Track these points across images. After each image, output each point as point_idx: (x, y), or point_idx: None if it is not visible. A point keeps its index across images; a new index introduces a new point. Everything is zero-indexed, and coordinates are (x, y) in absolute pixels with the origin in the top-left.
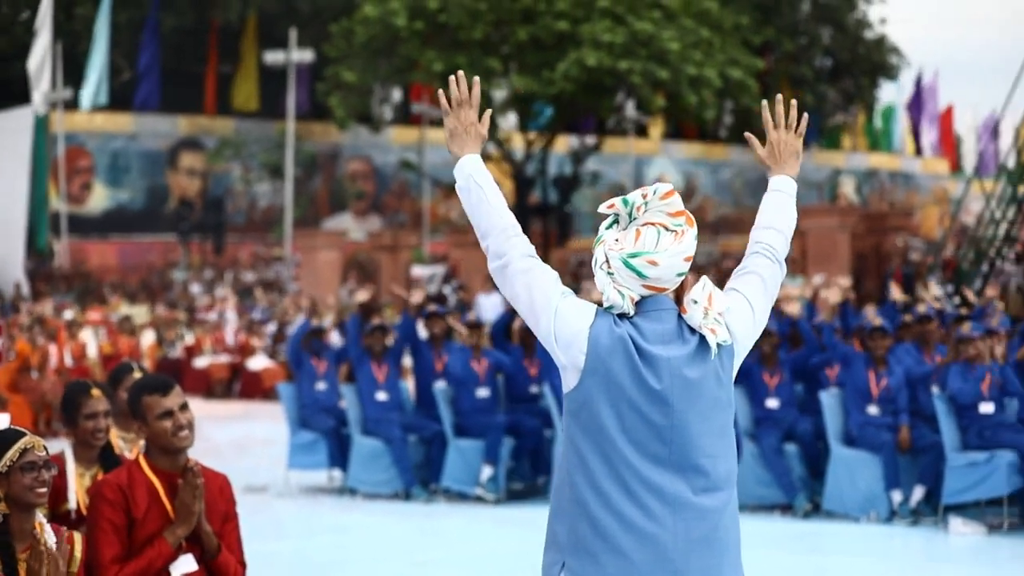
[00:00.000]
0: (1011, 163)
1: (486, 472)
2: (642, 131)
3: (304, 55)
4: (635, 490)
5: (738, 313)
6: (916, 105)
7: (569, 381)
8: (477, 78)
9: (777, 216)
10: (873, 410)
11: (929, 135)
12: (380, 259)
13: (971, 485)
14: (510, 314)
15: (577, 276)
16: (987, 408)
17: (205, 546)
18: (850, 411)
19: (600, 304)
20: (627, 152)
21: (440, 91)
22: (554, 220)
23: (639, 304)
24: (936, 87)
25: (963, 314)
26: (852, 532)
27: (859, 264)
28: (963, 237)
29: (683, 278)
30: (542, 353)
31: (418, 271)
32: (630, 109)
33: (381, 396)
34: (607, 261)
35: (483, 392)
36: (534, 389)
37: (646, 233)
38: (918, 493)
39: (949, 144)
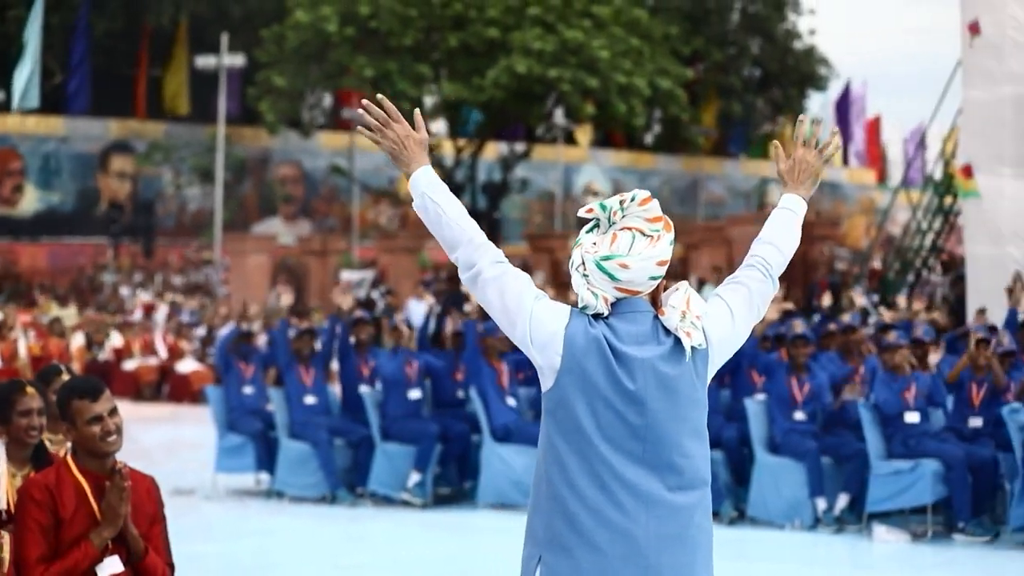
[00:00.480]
0: (938, 174)
1: (413, 477)
2: (571, 139)
3: (235, 59)
4: (610, 486)
5: (717, 319)
6: (843, 115)
7: (546, 381)
8: (380, 95)
9: (780, 233)
10: (799, 415)
11: (856, 145)
12: (309, 264)
13: (895, 493)
14: (439, 319)
15: None
16: (912, 417)
17: (131, 548)
18: (774, 418)
19: (575, 305)
20: (556, 159)
21: (359, 126)
22: (483, 227)
23: (615, 306)
24: (864, 98)
25: (888, 323)
26: (776, 539)
27: (785, 273)
28: (889, 247)
29: (657, 282)
30: (468, 359)
31: (347, 276)
32: (559, 117)
33: (309, 400)
34: (583, 263)
35: (414, 394)
36: (460, 394)
37: (622, 237)
38: (842, 501)
39: (876, 154)
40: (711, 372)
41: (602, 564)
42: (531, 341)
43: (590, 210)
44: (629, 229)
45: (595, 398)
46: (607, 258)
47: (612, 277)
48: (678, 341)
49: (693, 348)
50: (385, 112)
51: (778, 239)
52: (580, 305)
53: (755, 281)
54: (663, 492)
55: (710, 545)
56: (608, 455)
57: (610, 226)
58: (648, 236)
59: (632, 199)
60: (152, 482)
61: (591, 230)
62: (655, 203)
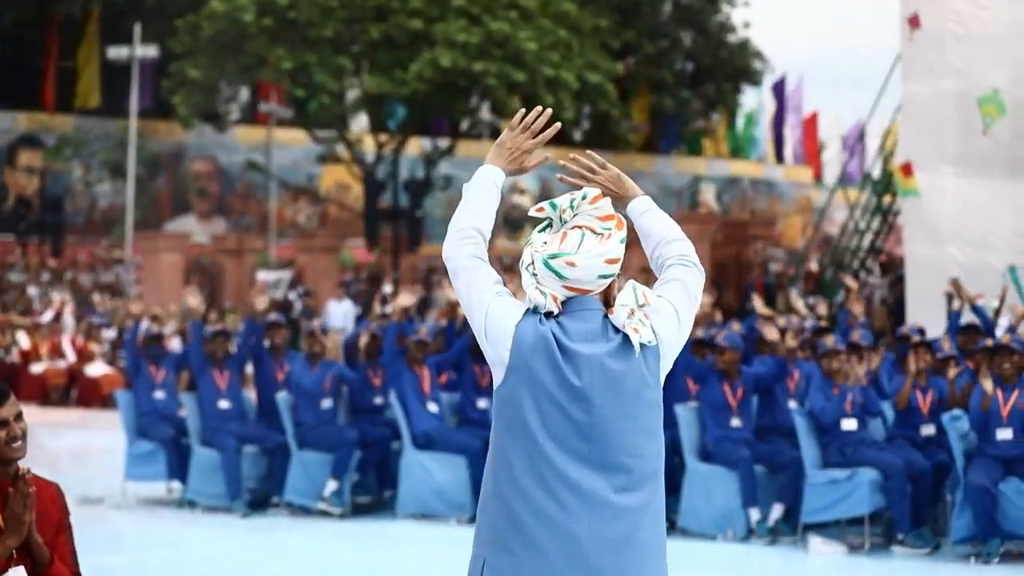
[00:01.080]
0: (876, 172)
1: (330, 486)
2: (496, 134)
3: (148, 51)
4: (553, 486)
5: (663, 316)
6: (779, 111)
7: (497, 378)
8: (559, 124)
9: (666, 229)
10: (735, 422)
11: (792, 142)
12: (224, 263)
13: (831, 503)
14: (358, 321)
15: (428, 283)
16: (849, 425)
17: (36, 557)
18: (706, 425)
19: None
20: (481, 156)
21: (522, 109)
22: (405, 225)
23: (565, 304)
24: (800, 93)
25: (824, 327)
26: (708, 551)
27: (719, 274)
28: (826, 248)
29: (608, 280)
30: (388, 363)
31: (263, 276)
32: (485, 111)
33: (222, 404)
34: (532, 262)
35: (326, 403)
36: (378, 400)
37: (571, 236)
38: (776, 511)
39: (813, 152)
40: (664, 369)
41: (543, 565)
42: (485, 335)
43: (540, 209)
44: (580, 227)
45: (541, 396)
46: (554, 256)
47: (559, 275)
48: (626, 338)
49: (642, 345)
50: (542, 129)
51: (671, 234)
52: (529, 304)
53: (685, 274)
54: (608, 493)
55: (662, 548)
56: (552, 454)
57: (561, 225)
58: (598, 234)
59: (583, 197)
60: (56, 489)
61: (543, 229)
62: (606, 201)
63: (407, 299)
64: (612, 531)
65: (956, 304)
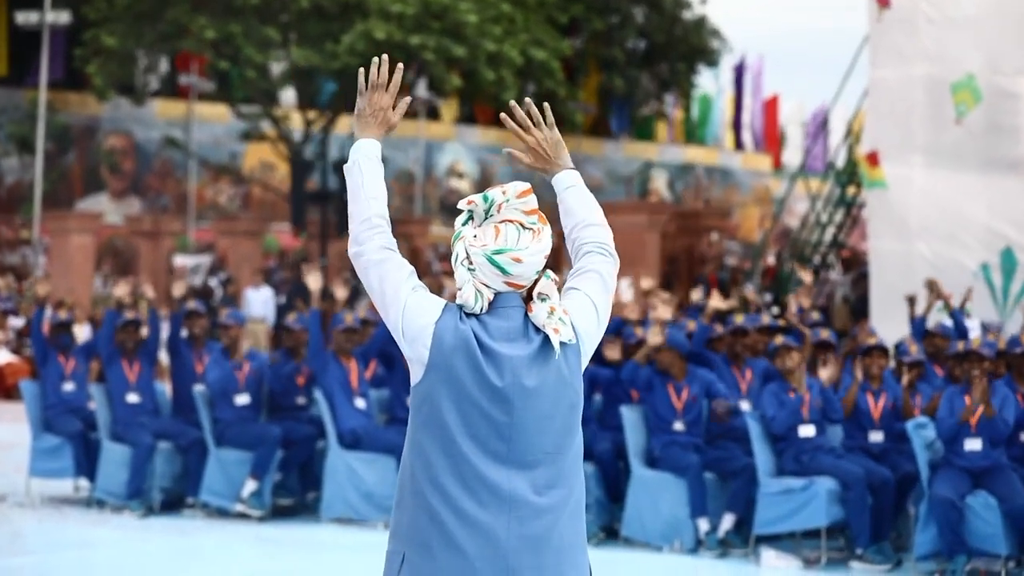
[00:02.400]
0: (840, 161)
1: (250, 486)
2: (434, 114)
3: (60, 16)
4: (473, 486)
5: (582, 311)
6: (737, 94)
7: (414, 375)
8: (401, 64)
9: (588, 211)
10: (679, 426)
11: (751, 128)
12: (139, 246)
13: (786, 514)
14: (280, 311)
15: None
16: (807, 431)
17: None
18: (653, 429)
19: (452, 299)
20: (417, 136)
21: (360, 69)
22: (334, 208)
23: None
24: (761, 76)
25: (781, 324)
26: (653, 562)
27: (669, 267)
28: (785, 241)
29: (538, 276)
30: (313, 355)
31: (181, 261)
32: (421, 89)
33: (132, 398)
34: (467, 257)
35: (242, 399)
36: (300, 400)
37: (505, 230)
38: (727, 522)
39: (773, 138)
40: (583, 364)
41: (462, 564)
42: (402, 333)
43: (471, 202)
44: (510, 222)
45: (461, 396)
46: (499, 252)
47: (504, 271)
48: (547, 338)
49: (563, 344)
50: (389, 77)
51: (591, 217)
52: (460, 301)
53: (601, 264)
54: (527, 493)
55: (582, 546)
56: (471, 454)
57: (486, 218)
58: (529, 229)
59: (513, 189)
60: None
61: (466, 222)
62: (533, 196)
63: (315, 282)
64: (531, 529)
65: (923, 308)
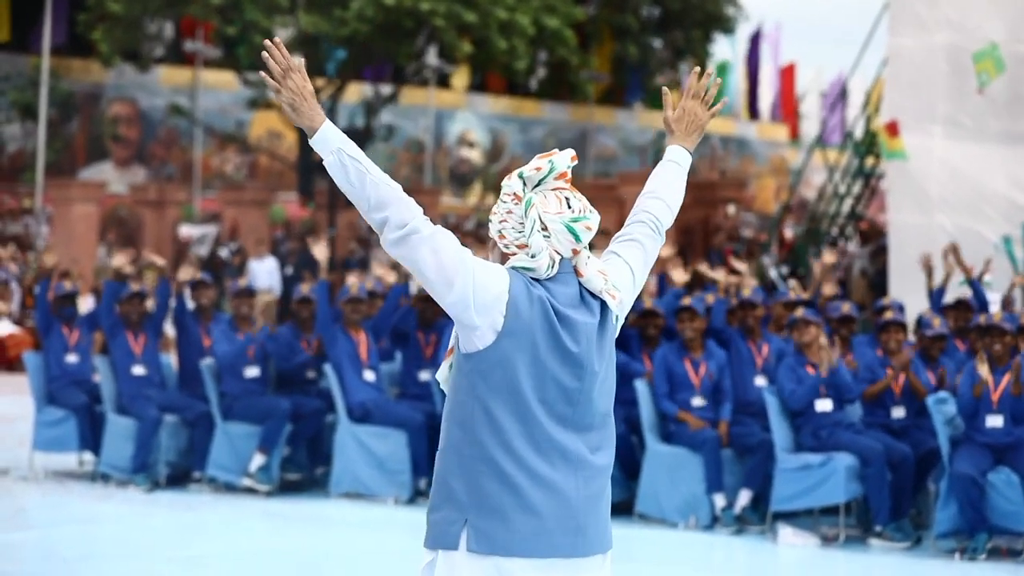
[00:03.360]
0: (859, 132)
1: (258, 460)
2: (444, 82)
3: None
4: (544, 449)
5: (621, 278)
6: (753, 63)
7: (479, 341)
8: (278, 39)
9: (668, 188)
10: (698, 401)
11: (767, 97)
12: (144, 215)
13: (803, 491)
14: (288, 283)
15: (367, 242)
16: (824, 406)
17: None
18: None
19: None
20: (427, 104)
21: (261, 71)
22: None
23: None
24: (778, 44)
25: (798, 298)
26: (669, 539)
27: (684, 239)
28: (802, 213)
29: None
30: (322, 328)
31: (187, 230)
32: (432, 56)
33: (138, 370)
34: (545, 226)
35: (252, 371)
36: (309, 374)
37: (569, 199)
38: (744, 498)
39: (790, 108)
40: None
41: (537, 525)
42: (472, 302)
43: (539, 168)
44: (562, 189)
45: (535, 361)
46: (576, 220)
47: (577, 239)
48: (603, 304)
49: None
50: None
51: (667, 194)
52: (536, 267)
53: (648, 239)
54: (587, 454)
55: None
56: (542, 418)
57: (538, 185)
58: (574, 196)
59: (569, 157)
60: None
61: (522, 189)
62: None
63: (322, 252)
64: (592, 489)
65: (941, 278)
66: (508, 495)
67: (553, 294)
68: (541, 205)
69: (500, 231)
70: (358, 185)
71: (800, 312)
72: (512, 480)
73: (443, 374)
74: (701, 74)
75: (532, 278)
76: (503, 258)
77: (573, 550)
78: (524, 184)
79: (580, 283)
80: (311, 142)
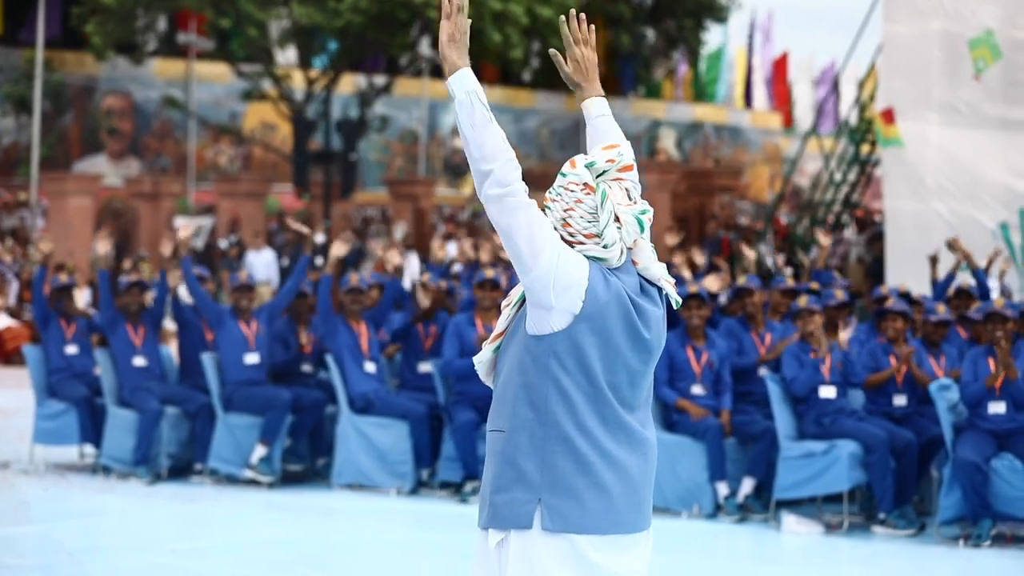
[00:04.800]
0: (854, 120)
1: (259, 451)
2: (437, 72)
3: None
4: (613, 428)
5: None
6: (747, 51)
7: (555, 323)
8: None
9: (624, 144)
10: (698, 390)
11: (760, 86)
12: (139, 208)
13: (807, 479)
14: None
15: (362, 234)
16: (828, 392)
17: None
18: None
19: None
20: (420, 95)
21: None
22: (337, 169)
23: None
24: (771, 32)
25: (801, 287)
26: (672, 527)
27: (680, 228)
28: (796, 200)
29: None
30: (323, 318)
31: (182, 222)
32: (425, 46)
33: (139, 362)
34: (618, 218)
35: (251, 358)
36: (307, 367)
37: (630, 190)
38: (747, 486)
39: (783, 96)
40: None
41: (607, 503)
42: (554, 280)
43: (612, 160)
44: (622, 181)
45: (608, 345)
46: (644, 212)
47: (642, 230)
48: (659, 292)
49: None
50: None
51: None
52: (611, 257)
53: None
54: (643, 432)
55: None
56: (611, 398)
57: (599, 176)
58: (636, 187)
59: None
60: None
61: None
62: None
63: (341, 248)
64: (650, 464)
65: (945, 269)
66: (582, 474)
67: (623, 282)
68: (613, 196)
69: (565, 219)
70: (479, 127)
71: (804, 301)
72: (586, 459)
73: (485, 357)
74: (568, 20)
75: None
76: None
77: (635, 525)
78: (600, 173)
79: (638, 272)
80: (449, 79)
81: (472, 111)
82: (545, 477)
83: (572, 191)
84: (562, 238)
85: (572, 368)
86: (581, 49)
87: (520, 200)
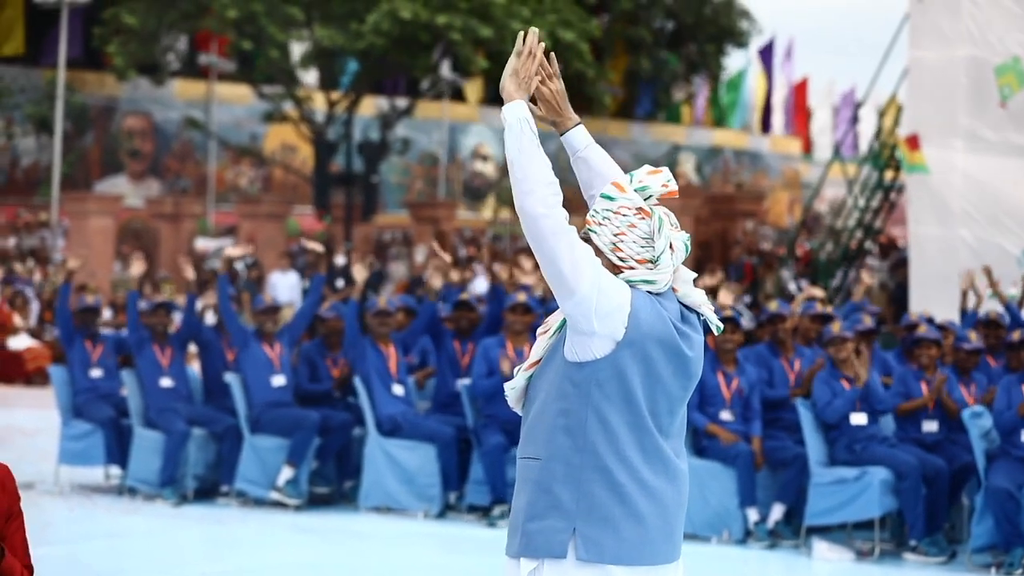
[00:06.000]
0: (879, 145)
1: (286, 473)
2: (459, 95)
3: None
4: (651, 456)
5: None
6: (767, 77)
7: (596, 349)
8: (543, 44)
9: (615, 171)
10: (727, 416)
11: (779, 111)
12: (159, 229)
13: (838, 505)
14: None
15: (383, 256)
16: (859, 419)
17: None
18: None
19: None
20: (441, 118)
21: (521, 31)
22: (359, 191)
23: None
24: (791, 57)
25: (829, 312)
26: (702, 553)
27: (702, 252)
28: (816, 226)
29: None
30: (351, 341)
31: (203, 244)
32: (446, 69)
33: (165, 383)
34: (671, 244)
35: (278, 380)
36: (335, 393)
37: (669, 216)
38: (777, 512)
39: (802, 121)
40: None
41: (643, 534)
42: (595, 306)
43: (665, 186)
44: (660, 206)
45: (650, 372)
46: (688, 238)
47: (687, 254)
48: (698, 318)
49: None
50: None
51: (621, 177)
52: (661, 283)
53: None
54: (677, 461)
55: None
56: (651, 427)
57: (645, 199)
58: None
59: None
60: (6, 471)
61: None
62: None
63: (362, 273)
64: (683, 493)
65: (973, 301)
66: (618, 504)
67: (667, 309)
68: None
69: (615, 244)
70: (526, 152)
71: (837, 327)
72: (623, 489)
73: (519, 384)
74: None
75: (648, 292)
76: (613, 270)
77: (668, 556)
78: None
79: (677, 299)
80: (505, 107)
81: (521, 136)
82: (581, 506)
83: (625, 215)
84: (612, 263)
85: (614, 395)
86: (550, 86)
87: (562, 225)
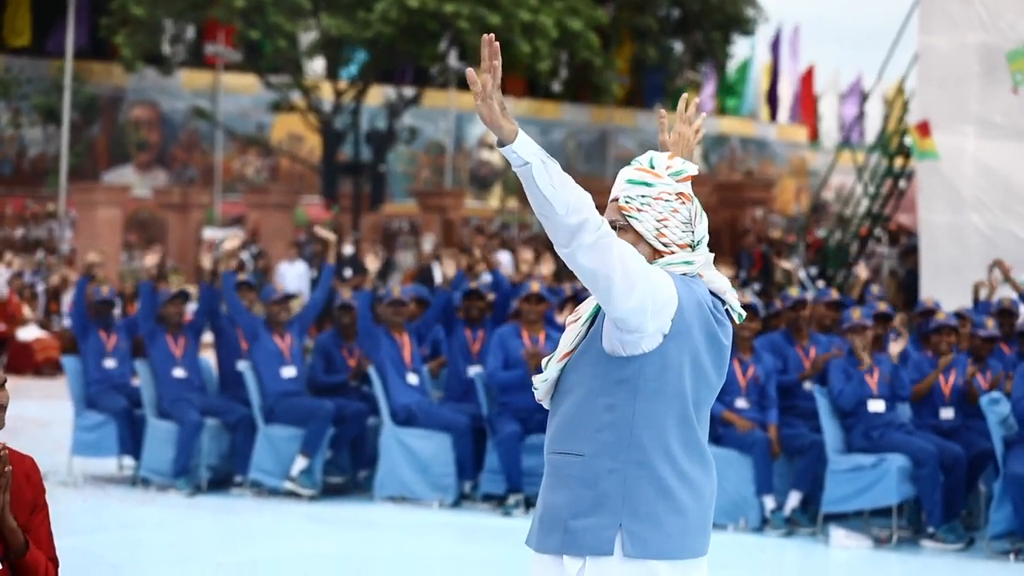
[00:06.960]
0: (888, 132)
1: (300, 463)
2: (465, 84)
3: None
4: (692, 449)
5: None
6: (773, 65)
7: (645, 344)
8: (497, 44)
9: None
10: (742, 403)
11: (786, 99)
12: (167, 219)
13: (855, 492)
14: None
15: (391, 246)
16: (876, 406)
17: (10, 544)
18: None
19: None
20: (447, 107)
21: (469, 73)
22: (367, 180)
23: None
24: (797, 45)
25: (841, 300)
26: (718, 541)
27: (712, 242)
28: (824, 213)
29: None
30: (365, 331)
31: (210, 234)
32: (454, 58)
33: (179, 373)
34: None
35: (288, 372)
36: (351, 383)
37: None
38: (794, 499)
39: (809, 109)
40: None
41: (683, 527)
42: (650, 304)
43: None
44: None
45: (695, 362)
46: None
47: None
48: (723, 302)
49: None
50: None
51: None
52: (689, 260)
53: None
54: (709, 451)
55: None
56: (693, 418)
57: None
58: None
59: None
60: (31, 463)
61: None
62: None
63: (373, 263)
64: (715, 481)
65: (984, 292)
66: (663, 499)
67: (701, 296)
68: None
69: (659, 230)
70: (560, 188)
71: (858, 315)
72: (666, 483)
73: (551, 376)
74: (687, 102)
75: (683, 274)
76: (652, 255)
77: (704, 547)
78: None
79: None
80: (512, 147)
81: (549, 175)
82: (628, 502)
83: (668, 200)
84: (653, 249)
85: (663, 389)
86: (686, 127)
87: (611, 234)
